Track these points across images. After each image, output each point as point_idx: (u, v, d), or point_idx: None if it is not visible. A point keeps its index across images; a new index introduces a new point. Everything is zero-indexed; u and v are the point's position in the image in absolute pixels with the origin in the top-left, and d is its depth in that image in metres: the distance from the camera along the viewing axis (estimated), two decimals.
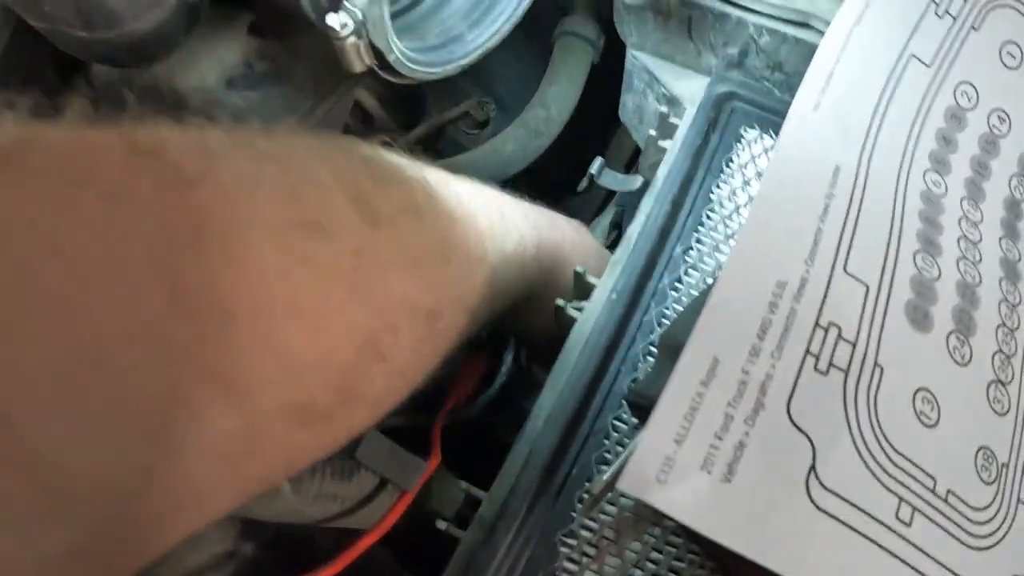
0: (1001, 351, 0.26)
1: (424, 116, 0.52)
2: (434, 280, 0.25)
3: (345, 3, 0.32)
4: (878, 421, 0.22)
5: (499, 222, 0.30)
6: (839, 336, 0.23)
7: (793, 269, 0.24)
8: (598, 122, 0.52)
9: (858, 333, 0.23)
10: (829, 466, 0.21)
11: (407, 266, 0.24)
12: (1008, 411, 0.25)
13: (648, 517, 0.26)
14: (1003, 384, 0.26)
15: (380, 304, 0.22)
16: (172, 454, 0.17)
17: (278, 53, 0.45)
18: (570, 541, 0.26)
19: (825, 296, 0.24)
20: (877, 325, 0.24)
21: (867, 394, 0.22)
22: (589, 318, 0.29)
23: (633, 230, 0.32)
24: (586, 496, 0.26)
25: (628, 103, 0.43)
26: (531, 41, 0.51)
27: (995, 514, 0.24)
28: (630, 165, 0.54)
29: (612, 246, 0.45)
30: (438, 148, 0.53)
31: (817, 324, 0.23)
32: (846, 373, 0.23)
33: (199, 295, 0.17)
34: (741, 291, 0.23)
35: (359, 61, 0.34)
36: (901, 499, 0.22)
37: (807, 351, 0.22)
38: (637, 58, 0.41)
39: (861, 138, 0.29)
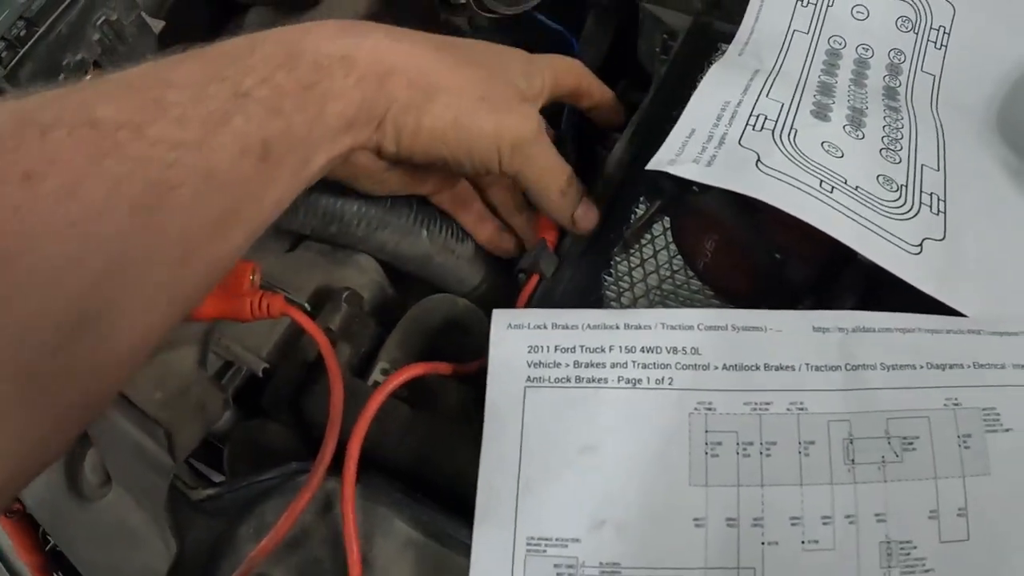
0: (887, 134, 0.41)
1: None
2: None
3: None
4: (800, 150, 0.38)
5: None
6: (765, 121, 0.39)
7: (737, 92, 0.41)
8: None
9: (779, 114, 0.40)
10: (769, 160, 0.37)
11: None
12: (900, 162, 0.40)
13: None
14: (893, 151, 0.41)
15: None
16: None
17: None
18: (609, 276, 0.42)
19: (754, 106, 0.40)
20: (793, 109, 0.40)
21: (791, 140, 0.38)
22: None
23: None
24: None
25: None
26: None
27: (905, 203, 0.38)
28: None
29: None
30: None
31: (752, 113, 0.39)
32: (772, 131, 0.39)
33: None
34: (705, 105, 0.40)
35: None
36: (822, 179, 0.36)
37: (747, 124, 0.39)
38: None
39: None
